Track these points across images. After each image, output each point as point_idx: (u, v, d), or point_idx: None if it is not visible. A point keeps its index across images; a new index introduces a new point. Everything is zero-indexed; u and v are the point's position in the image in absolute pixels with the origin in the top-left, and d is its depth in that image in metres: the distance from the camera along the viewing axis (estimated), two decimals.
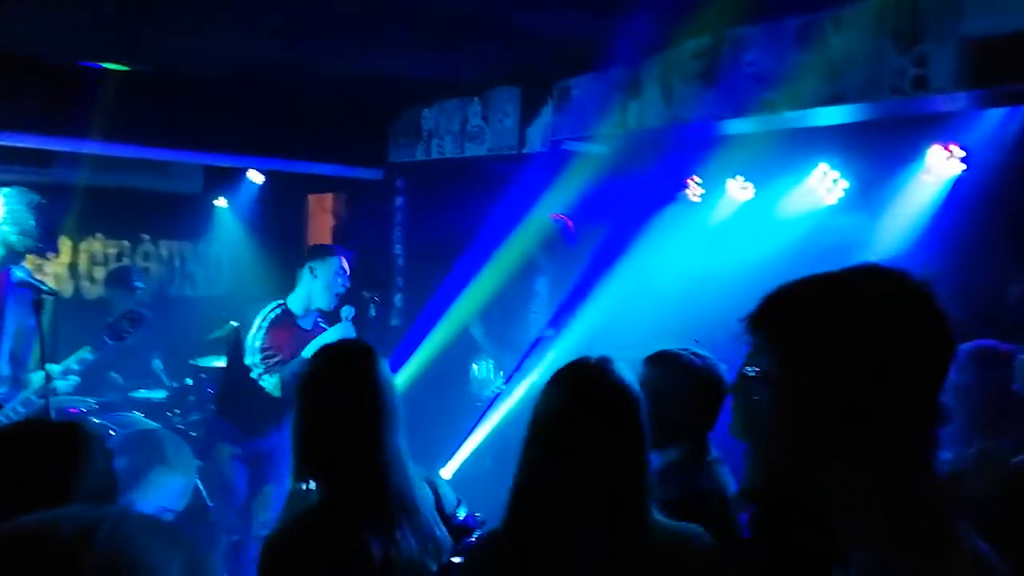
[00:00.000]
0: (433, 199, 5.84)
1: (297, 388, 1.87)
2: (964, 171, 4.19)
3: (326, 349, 1.97)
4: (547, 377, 1.64)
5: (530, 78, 5.02)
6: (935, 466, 0.98)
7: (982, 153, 4.14)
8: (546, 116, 5.03)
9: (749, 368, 1.04)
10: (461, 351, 5.27)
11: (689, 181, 5.16)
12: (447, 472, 4.87)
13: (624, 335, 4.67)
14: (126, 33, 4.23)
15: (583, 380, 1.58)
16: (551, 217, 5.06)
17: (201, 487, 4.84)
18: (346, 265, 4.03)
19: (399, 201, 6.18)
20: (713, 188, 5.10)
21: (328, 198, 7.11)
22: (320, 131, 5.71)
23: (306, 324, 4.04)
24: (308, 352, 3.77)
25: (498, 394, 4.94)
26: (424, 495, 1.87)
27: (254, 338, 3.92)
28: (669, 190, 5.23)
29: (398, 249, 6.21)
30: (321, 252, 4.12)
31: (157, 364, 5.60)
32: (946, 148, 4.22)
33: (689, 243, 5.08)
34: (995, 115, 4.01)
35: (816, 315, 1.00)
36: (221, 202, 6.97)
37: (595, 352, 1.64)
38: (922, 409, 0.98)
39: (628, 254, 5.01)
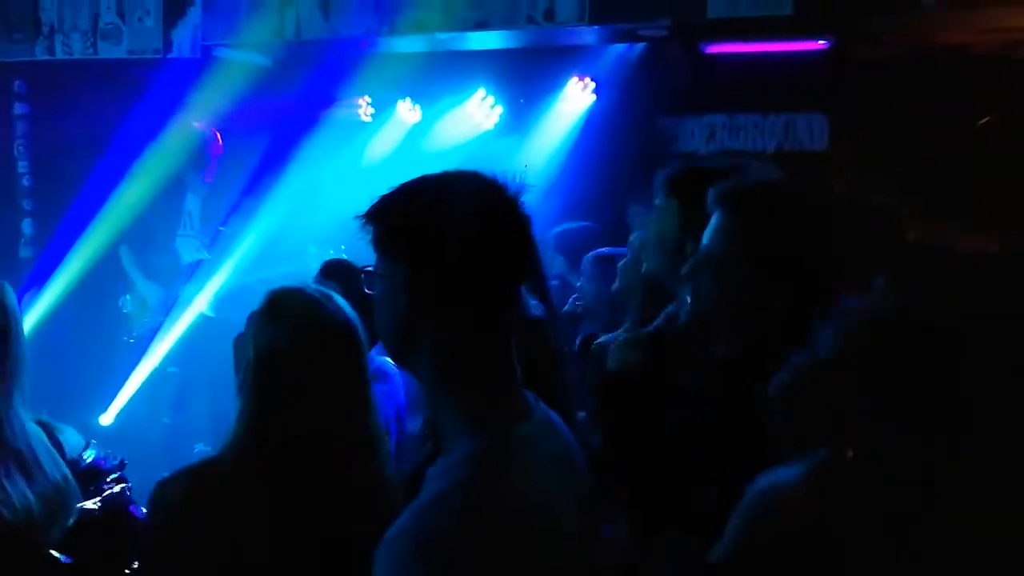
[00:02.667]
0: (63, 107, 5.08)
1: None
2: (595, 101, 4.80)
3: None
4: (259, 306, 1.55)
5: None
6: (510, 351, 1.08)
7: (608, 85, 4.76)
8: (194, 17, 4.60)
9: (368, 266, 1.10)
10: (108, 281, 4.75)
11: (360, 101, 5.14)
12: (107, 418, 4.43)
13: (291, 250, 4.62)
14: None
15: (307, 316, 1.53)
16: (197, 127, 4.68)
17: None
18: None
19: (20, 108, 5.27)
20: (382, 109, 5.17)
21: None
22: None
23: None
24: None
25: (154, 329, 4.53)
26: (40, 441, 1.72)
27: None
28: (334, 107, 5.17)
29: (22, 167, 5.33)
30: None
31: None
32: (581, 80, 4.78)
33: (356, 162, 5.11)
34: (617, 50, 4.60)
35: (407, 213, 1.06)
36: None
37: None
38: (499, 301, 1.07)
39: (292, 171, 4.88)
